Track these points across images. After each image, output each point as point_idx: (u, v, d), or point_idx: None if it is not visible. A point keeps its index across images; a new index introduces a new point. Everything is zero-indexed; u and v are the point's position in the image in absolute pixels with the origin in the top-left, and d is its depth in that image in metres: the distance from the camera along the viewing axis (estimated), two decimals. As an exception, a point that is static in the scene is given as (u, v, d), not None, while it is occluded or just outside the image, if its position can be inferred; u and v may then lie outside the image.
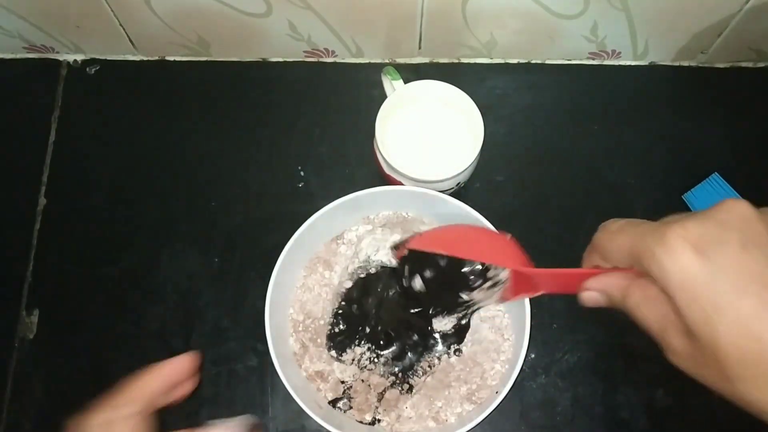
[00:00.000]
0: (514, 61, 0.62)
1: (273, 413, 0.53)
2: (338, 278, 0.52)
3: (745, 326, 0.26)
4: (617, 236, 0.32)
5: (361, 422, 0.49)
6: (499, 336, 0.50)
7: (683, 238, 0.28)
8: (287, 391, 0.46)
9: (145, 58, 0.63)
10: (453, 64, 0.62)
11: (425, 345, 0.51)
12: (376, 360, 0.50)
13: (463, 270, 0.45)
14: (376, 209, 0.52)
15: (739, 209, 0.28)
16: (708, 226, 0.28)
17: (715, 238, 0.27)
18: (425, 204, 0.51)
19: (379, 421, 0.49)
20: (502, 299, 0.45)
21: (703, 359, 0.28)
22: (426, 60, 0.62)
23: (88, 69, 0.63)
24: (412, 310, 0.50)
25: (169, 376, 0.38)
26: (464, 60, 0.62)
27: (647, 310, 0.31)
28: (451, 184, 0.51)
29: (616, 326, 0.52)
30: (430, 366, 0.50)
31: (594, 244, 0.34)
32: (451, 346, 0.50)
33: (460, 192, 0.55)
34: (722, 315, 0.27)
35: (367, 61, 0.62)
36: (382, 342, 0.50)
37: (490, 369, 0.49)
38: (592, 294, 0.35)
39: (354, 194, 0.49)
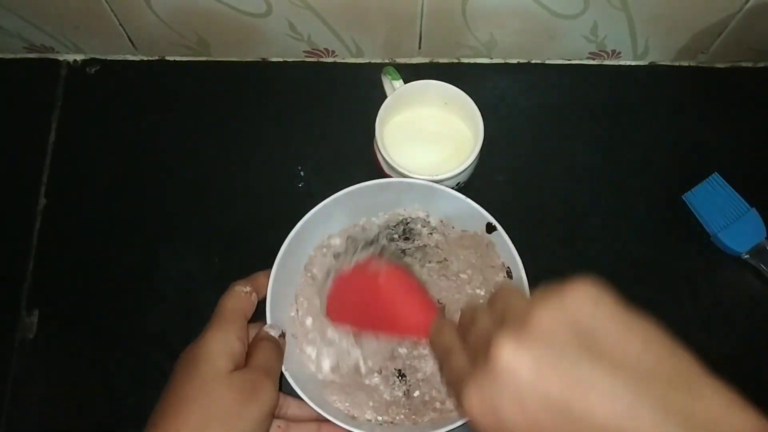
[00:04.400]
0: (514, 61, 0.62)
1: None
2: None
3: None
4: (445, 342, 0.36)
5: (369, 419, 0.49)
6: None
7: (475, 404, 0.30)
8: (291, 388, 0.46)
9: (145, 58, 0.63)
10: (453, 64, 0.62)
11: None
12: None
13: None
14: (375, 206, 0.52)
15: (501, 360, 0.29)
16: (487, 386, 0.30)
17: (496, 399, 0.29)
18: (427, 198, 0.51)
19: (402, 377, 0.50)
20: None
21: None
22: (426, 60, 0.62)
23: (88, 69, 0.63)
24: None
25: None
26: (464, 60, 0.62)
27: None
28: (450, 184, 0.51)
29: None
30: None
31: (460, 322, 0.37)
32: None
33: (460, 192, 0.55)
34: None
35: (367, 61, 0.62)
36: None
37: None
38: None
39: (354, 187, 0.49)
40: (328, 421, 0.46)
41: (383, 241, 0.51)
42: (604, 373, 0.27)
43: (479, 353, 0.31)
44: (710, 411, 0.27)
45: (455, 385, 0.33)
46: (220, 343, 0.43)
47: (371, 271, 0.44)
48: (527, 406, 0.28)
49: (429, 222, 0.53)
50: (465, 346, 0.34)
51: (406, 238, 0.53)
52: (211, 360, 0.42)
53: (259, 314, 0.47)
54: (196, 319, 0.55)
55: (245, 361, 0.44)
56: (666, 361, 0.28)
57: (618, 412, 0.27)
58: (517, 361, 0.28)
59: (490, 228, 0.49)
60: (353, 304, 0.47)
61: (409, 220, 0.53)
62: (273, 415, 0.43)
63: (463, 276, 0.52)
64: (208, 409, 0.40)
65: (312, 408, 0.45)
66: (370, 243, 0.51)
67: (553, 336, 0.29)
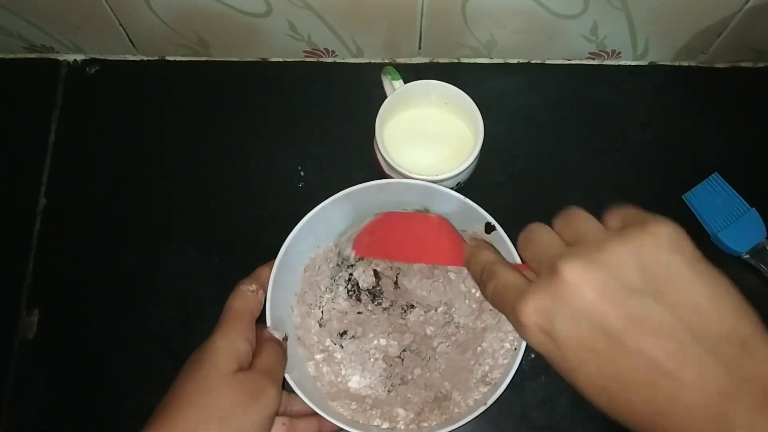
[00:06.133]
0: (514, 61, 0.62)
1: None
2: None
3: (595, 383, 0.30)
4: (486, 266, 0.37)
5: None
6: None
7: (530, 320, 0.31)
8: (290, 388, 0.46)
9: (145, 58, 0.63)
10: (453, 64, 0.62)
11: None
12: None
13: None
14: (375, 206, 0.52)
15: (566, 277, 0.30)
16: (545, 300, 0.30)
17: (552, 315, 0.30)
18: (426, 198, 0.51)
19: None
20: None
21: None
22: (426, 60, 0.62)
23: (88, 69, 0.63)
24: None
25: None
26: (464, 60, 0.62)
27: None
28: (450, 184, 0.51)
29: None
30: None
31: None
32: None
33: (460, 192, 0.54)
34: (576, 376, 0.31)
35: (367, 61, 0.62)
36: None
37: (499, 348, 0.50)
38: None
39: (354, 187, 0.49)
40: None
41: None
42: (664, 315, 0.28)
43: (543, 267, 0.31)
44: (759, 368, 0.27)
45: (505, 297, 0.33)
46: (226, 343, 0.43)
47: (419, 212, 0.50)
48: (583, 325, 0.29)
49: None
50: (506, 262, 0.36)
51: None
52: (215, 359, 0.42)
53: (259, 316, 0.47)
54: (196, 319, 0.55)
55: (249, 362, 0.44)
56: (728, 317, 0.28)
57: (669, 352, 0.28)
58: (584, 280, 0.29)
59: (489, 228, 0.49)
60: (390, 236, 0.50)
61: None
62: (274, 417, 0.43)
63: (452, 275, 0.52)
64: (209, 407, 0.40)
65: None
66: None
67: (625, 270, 0.29)
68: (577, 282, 0.29)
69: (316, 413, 0.46)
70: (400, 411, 0.49)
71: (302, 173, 0.59)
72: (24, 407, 0.54)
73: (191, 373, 0.42)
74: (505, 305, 0.33)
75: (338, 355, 0.51)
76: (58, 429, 0.54)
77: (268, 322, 0.47)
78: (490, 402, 0.46)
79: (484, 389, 0.48)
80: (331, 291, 0.53)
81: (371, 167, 0.55)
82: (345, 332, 0.52)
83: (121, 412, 0.54)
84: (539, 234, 0.34)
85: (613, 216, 0.33)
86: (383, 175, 0.54)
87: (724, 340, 0.28)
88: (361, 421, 0.49)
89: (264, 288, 0.47)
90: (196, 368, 0.42)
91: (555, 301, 0.30)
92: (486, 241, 0.39)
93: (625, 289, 0.29)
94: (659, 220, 0.30)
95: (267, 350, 0.45)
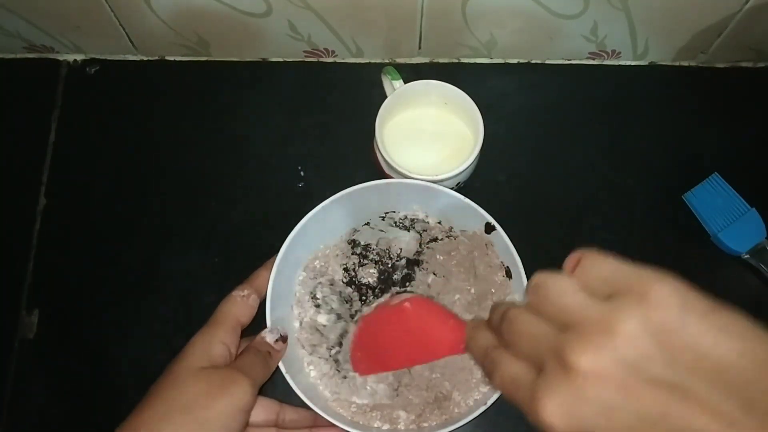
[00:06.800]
0: (514, 61, 0.62)
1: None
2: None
3: None
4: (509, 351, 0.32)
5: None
6: None
7: (558, 422, 0.27)
8: (291, 388, 0.46)
9: (145, 58, 0.63)
10: (453, 64, 0.62)
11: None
12: None
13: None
14: (375, 206, 0.52)
15: (584, 370, 0.26)
16: (568, 400, 0.27)
17: (580, 414, 0.27)
18: (426, 198, 0.51)
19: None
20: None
21: None
22: (426, 60, 0.62)
23: (88, 69, 0.63)
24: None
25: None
26: (464, 60, 0.62)
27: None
28: (451, 184, 0.51)
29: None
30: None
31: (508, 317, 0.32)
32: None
33: (460, 192, 0.54)
34: None
35: (367, 61, 0.62)
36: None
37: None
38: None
39: (354, 187, 0.49)
40: (323, 426, 0.46)
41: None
42: (700, 387, 0.25)
43: (546, 361, 0.28)
44: None
45: (514, 393, 0.30)
46: (199, 344, 0.44)
47: (394, 305, 0.45)
48: (617, 416, 0.26)
49: (428, 222, 0.53)
50: (506, 348, 0.31)
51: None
52: (186, 357, 0.43)
53: (260, 319, 0.47)
54: (196, 319, 0.55)
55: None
56: (765, 368, 0.25)
57: (718, 421, 0.25)
58: (603, 370, 0.26)
59: (489, 228, 0.49)
60: (380, 346, 0.47)
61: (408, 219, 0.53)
62: (248, 413, 0.43)
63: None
64: (174, 400, 0.41)
65: (307, 414, 0.46)
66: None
67: (642, 348, 0.26)
68: (597, 374, 0.26)
69: (309, 422, 0.46)
70: (402, 413, 0.49)
71: (302, 173, 0.59)
72: (24, 407, 0.54)
73: (165, 371, 0.43)
74: (519, 403, 0.30)
75: (340, 357, 0.51)
76: (58, 429, 0.54)
77: (268, 323, 0.47)
78: (490, 402, 0.46)
79: (484, 389, 0.48)
80: (333, 291, 0.53)
81: (371, 167, 0.55)
82: (347, 332, 0.52)
83: (121, 412, 0.53)
84: (521, 324, 0.30)
85: (592, 275, 0.28)
86: (383, 175, 0.54)
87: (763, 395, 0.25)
88: (361, 422, 0.49)
89: (259, 292, 0.47)
90: (169, 366, 0.43)
91: (579, 400, 0.27)
92: (482, 322, 0.35)
93: (650, 369, 0.26)
94: (655, 278, 0.27)
95: (247, 353, 0.45)
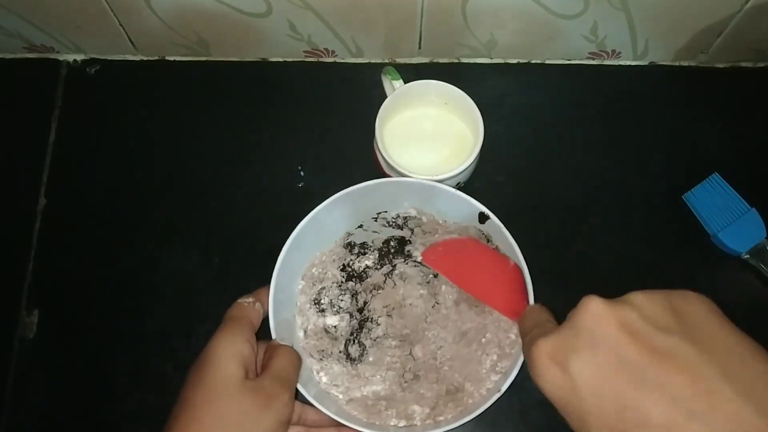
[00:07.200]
0: (514, 61, 0.62)
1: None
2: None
3: (611, 426, 0.29)
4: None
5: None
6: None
7: (544, 354, 0.30)
8: (301, 395, 0.46)
9: (145, 58, 0.63)
10: (453, 64, 0.62)
11: None
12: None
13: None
14: (375, 206, 0.52)
15: (590, 309, 0.30)
16: (565, 336, 0.30)
17: (570, 347, 0.30)
18: (426, 198, 0.51)
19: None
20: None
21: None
22: (426, 60, 0.62)
23: (88, 69, 0.63)
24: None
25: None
26: (464, 60, 0.62)
27: None
28: (451, 184, 0.51)
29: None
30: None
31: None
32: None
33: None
34: (589, 422, 0.30)
35: (367, 61, 0.62)
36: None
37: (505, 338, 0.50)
38: None
39: (354, 187, 0.49)
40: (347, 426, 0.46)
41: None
42: (689, 352, 0.27)
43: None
44: None
45: (529, 336, 0.33)
46: (229, 347, 0.42)
47: (504, 257, 0.49)
48: (600, 355, 0.28)
49: (421, 219, 0.53)
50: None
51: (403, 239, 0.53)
52: (221, 365, 0.41)
53: (263, 334, 0.47)
54: (196, 319, 0.55)
55: (262, 368, 0.44)
56: (761, 359, 0.27)
57: (695, 392, 0.27)
58: (607, 313, 0.29)
59: (482, 218, 0.49)
60: (462, 258, 0.50)
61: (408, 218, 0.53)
62: (288, 423, 0.43)
63: None
64: (223, 414, 0.39)
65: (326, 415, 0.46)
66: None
67: (653, 310, 0.29)
68: (600, 314, 0.29)
69: (331, 421, 0.46)
70: (416, 408, 0.49)
71: (302, 173, 0.59)
72: (24, 407, 0.54)
73: (199, 379, 0.41)
74: (527, 352, 0.33)
75: (351, 350, 0.51)
76: (58, 429, 0.54)
77: (273, 335, 0.47)
78: (504, 388, 0.45)
79: (495, 378, 0.48)
80: (333, 291, 0.53)
81: (371, 167, 0.55)
82: (351, 332, 0.52)
83: (121, 412, 0.54)
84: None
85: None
86: (383, 175, 0.54)
87: (758, 381, 0.26)
88: (377, 423, 0.48)
89: (262, 304, 0.47)
90: (203, 375, 0.41)
91: (574, 333, 0.29)
92: (541, 307, 0.40)
93: (651, 325, 0.28)
94: (682, 290, 0.30)
95: (279, 356, 0.44)
